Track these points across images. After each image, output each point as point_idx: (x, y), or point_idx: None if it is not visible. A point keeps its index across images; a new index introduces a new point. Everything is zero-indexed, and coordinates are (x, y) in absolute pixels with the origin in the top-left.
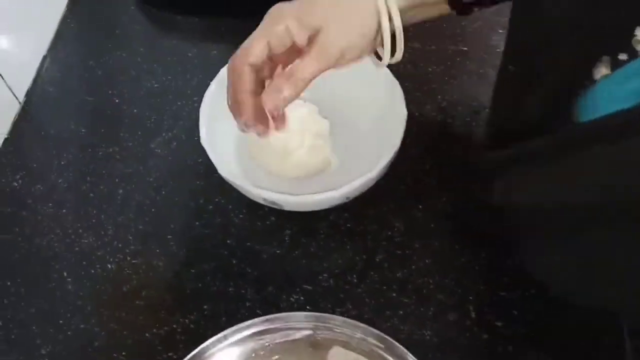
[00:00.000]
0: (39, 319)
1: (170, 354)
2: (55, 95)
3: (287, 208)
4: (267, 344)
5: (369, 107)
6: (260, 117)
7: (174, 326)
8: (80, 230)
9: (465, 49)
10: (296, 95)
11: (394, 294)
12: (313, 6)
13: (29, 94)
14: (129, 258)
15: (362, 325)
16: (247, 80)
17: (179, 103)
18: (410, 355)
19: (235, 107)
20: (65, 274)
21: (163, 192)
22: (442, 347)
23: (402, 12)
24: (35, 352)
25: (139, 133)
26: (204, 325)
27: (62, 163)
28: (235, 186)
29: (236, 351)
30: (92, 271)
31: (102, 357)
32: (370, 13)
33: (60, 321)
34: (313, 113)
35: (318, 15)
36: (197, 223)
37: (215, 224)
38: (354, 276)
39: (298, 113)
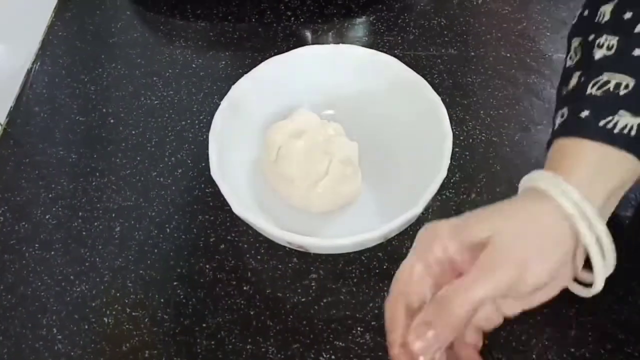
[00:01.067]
0: None
1: None
2: (41, 115)
3: (315, 252)
4: None
5: (405, 127)
6: None
7: None
8: (72, 277)
9: (508, 55)
10: (451, 335)
11: None
12: (479, 217)
13: (11, 114)
14: (128, 310)
15: None
16: (402, 329)
17: (183, 122)
18: None
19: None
20: (54, 330)
21: (167, 230)
22: None
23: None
24: None
25: (138, 159)
26: None
27: (50, 196)
28: (253, 226)
29: None
30: (86, 326)
31: None
32: (562, 228)
33: None
34: (339, 134)
35: (487, 226)
36: (207, 267)
37: (229, 267)
38: None
39: (321, 135)
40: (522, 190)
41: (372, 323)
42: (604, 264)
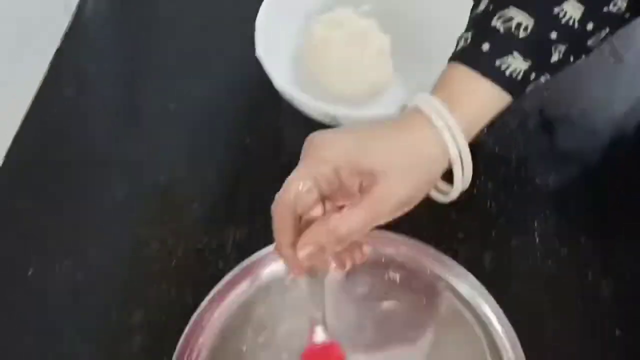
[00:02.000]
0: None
1: (220, 265)
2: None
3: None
4: None
5: (436, 27)
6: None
7: (225, 238)
8: None
9: None
10: (333, 252)
11: None
12: (370, 149)
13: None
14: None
15: None
16: (290, 234)
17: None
18: None
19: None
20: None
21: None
22: None
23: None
24: None
25: None
26: (256, 238)
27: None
28: (291, 100)
29: None
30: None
31: (155, 264)
32: (438, 156)
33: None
34: (373, 28)
35: (377, 160)
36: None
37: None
38: None
39: (356, 27)
40: (409, 108)
41: None
42: (463, 178)
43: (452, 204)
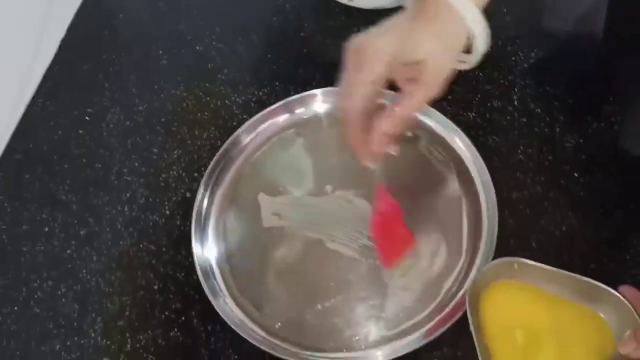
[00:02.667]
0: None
1: (245, 116)
2: None
3: None
4: None
5: None
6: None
7: (250, 96)
8: None
9: None
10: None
11: None
12: (412, 43)
13: None
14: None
15: None
16: (361, 133)
17: None
18: None
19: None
20: None
21: None
22: None
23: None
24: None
25: None
26: (275, 97)
27: None
28: None
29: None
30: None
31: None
32: (463, 32)
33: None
34: None
35: (421, 50)
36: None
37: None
38: None
39: None
40: None
41: None
42: (482, 48)
43: None
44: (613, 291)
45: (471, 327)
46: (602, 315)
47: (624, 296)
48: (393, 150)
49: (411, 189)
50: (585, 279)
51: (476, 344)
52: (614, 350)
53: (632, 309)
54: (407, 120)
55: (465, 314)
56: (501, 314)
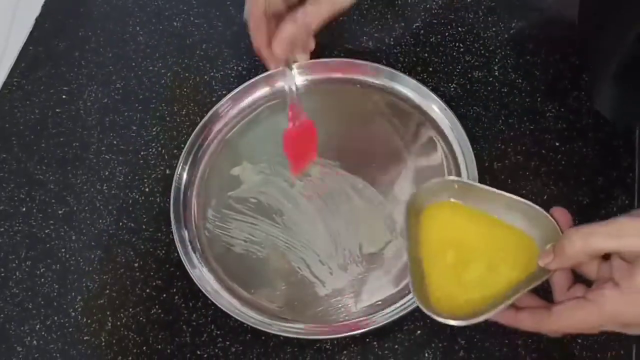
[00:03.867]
0: None
1: (224, 91)
2: None
3: None
4: None
5: None
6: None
7: (230, 71)
8: None
9: None
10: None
11: None
12: None
13: None
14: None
15: None
16: (265, 35)
17: None
18: None
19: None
20: None
21: None
22: None
23: None
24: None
25: None
26: (254, 71)
27: None
28: None
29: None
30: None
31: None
32: None
33: None
34: None
35: None
36: None
37: None
38: None
39: None
40: None
41: None
42: None
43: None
44: (544, 212)
45: (405, 242)
46: (533, 236)
47: (554, 217)
48: (302, 58)
49: (392, 159)
50: (521, 199)
51: (408, 258)
52: (537, 267)
53: (557, 227)
54: (308, 28)
55: None
56: (437, 231)
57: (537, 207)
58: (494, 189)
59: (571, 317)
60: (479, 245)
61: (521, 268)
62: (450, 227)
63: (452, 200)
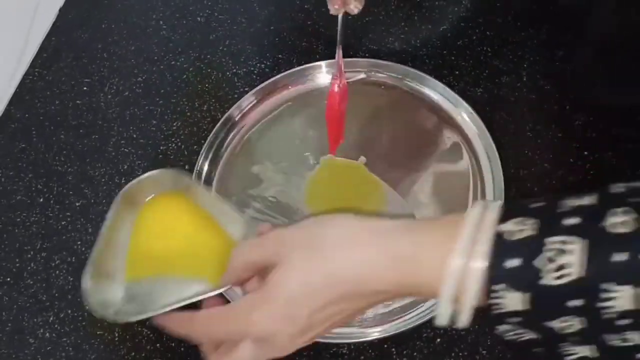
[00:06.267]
0: None
1: (246, 88)
2: None
3: None
4: None
5: None
6: None
7: (252, 68)
8: None
9: None
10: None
11: None
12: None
13: None
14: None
15: None
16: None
17: None
18: None
19: None
20: None
21: None
22: None
23: None
24: None
25: None
26: (277, 69)
27: None
28: None
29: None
30: None
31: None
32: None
33: None
34: None
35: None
36: None
37: None
38: None
39: None
40: None
41: None
42: None
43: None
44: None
45: (106, 222)
46: (234, 236)
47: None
48: (354, 6)
49: (418, 164)
50: (229, 207)
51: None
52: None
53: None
54: None
55: None
56: (154, 221)
57: (238, 212)
58: (214, 194)
59: (211, 323)
60: (185, 242)
61: (215, 274)
62: (169, 219)
63: (185, 194)
